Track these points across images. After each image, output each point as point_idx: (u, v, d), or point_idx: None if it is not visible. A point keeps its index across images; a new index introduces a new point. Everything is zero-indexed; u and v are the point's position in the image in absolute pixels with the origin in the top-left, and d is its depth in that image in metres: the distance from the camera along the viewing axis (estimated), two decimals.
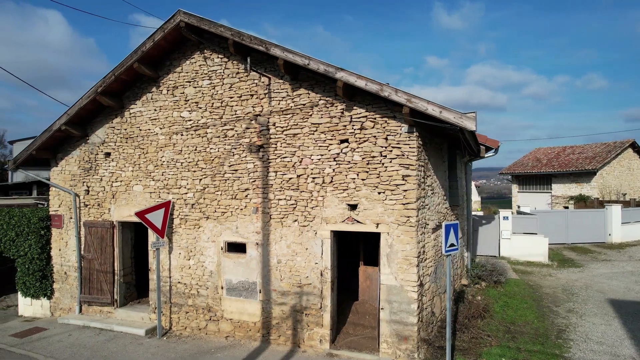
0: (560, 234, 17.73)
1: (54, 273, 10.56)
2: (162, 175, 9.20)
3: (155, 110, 9.31)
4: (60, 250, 10.48)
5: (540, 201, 29.65)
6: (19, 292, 10.93)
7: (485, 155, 11.00)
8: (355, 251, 10.00)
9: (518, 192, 32.08)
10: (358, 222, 7.29)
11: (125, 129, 9.65)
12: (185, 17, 8.15)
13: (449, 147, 9.40)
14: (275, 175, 8.01)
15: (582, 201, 25.12)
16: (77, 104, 9.35)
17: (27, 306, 11.04)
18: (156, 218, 8.69)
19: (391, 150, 7.06)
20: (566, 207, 26.70)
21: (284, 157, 7.94)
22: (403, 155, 6.95)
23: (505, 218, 14.85)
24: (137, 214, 8.44)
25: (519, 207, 20.40)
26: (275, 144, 8.02)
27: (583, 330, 8.21)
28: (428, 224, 7.58)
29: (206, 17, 8.04)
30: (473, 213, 20.38)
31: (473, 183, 28.63)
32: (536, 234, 14.85)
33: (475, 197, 27.56)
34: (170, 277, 9.12)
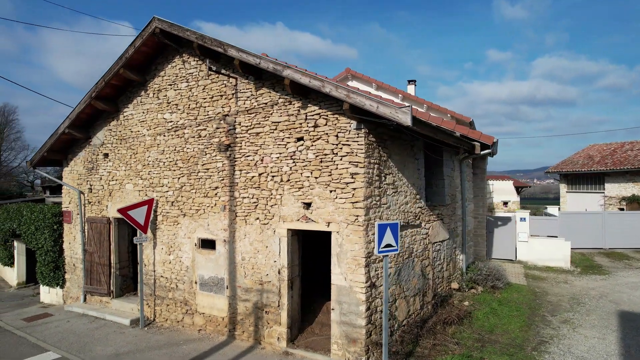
0: (595, 238, 16.16)
1: (66, 264, 11.52)
2: (149, 174, 9.71)
3: (143, 112, 9.84)
4: (69, 243, 11.42)
5: (591, 202, 27.17)
6: (39, 281, 12.07)
7: (481, 153, 10.36)
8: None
9: (567, 192, 29.61)
10: (312, 220, 7.22)
11: (120, 131, 10.29)
12: (159, 23, 8.54)
13: (428, 145, 8.98)
14: (240, 174, 8.15)
15: (635, 202, 22.69)
16: (77, 109, 10.13)
17: (46, 294, 12.15)
18: (139, 215, 9.19)
19: (341, 148, 6.91)
20: (621, 209, 24.31)
21: (247, 156, 8.06)
22: (352, 152, 6.78)
23: (523, 219, 13.81)
24: (120, 210, 8.98)
25: (546, 208, 18.88)
26: (241, 143, 8.16)
27: (568, 343, 7.48)
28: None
29: (176, 23, 8.37)
30: (502, 214, 19.23)
31: (511, 182, 26.97)
32: (556, 236, 13.66)
33: (513, 198, 25.90)
34: (154, 271, 9.61)
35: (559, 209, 15.98)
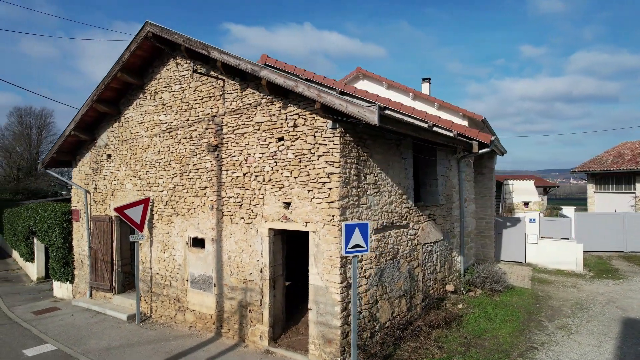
0: (616, 241, 15.35)
1: (75, 261, 12.02)
2: (146, 174, 10.00)
3: (141, 114, 10.14)
4: (78, 241, 11.92)
5: (621, 203, 25.83)
6: (51, 276, 12.65)
7: (479, 152, 10.07)
8: None
9: (595, 192, 28.27)
10: (291, 220, 7.23)
11: (122, 133, 10.65)
12: (151, 27, 8.78)
13: (419, 145, 8.80)
14: (227, 174, 8.27)
15: None
16: (80, 111, 10.56)
17: (58, 288, 12.73)
18: (135, 213, 9.47)
19: (318, 148, 6.89)
20: None
21: (233, 156, 8.17)
22: (328, 152, 6.75)
23: (532, 220, 13.29)
24: (116, 209, 9.30)
25: (561, 209, 18.02)
26: (227, 144, 8.28)
27: (558, 350, 7.16)
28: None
29: (166, 27, 8.58)
30: (521, 215, 18.57)
31: (532, 181, 26.05)
32: (568, 239, 13.05)
33: (534, 198, 24.94)
34: (151, 269, 9.88)
35: (575, 209, 15.27)
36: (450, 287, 9.78)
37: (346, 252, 5.75)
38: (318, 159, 6.89)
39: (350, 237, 5.75)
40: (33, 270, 15.57)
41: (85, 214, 11.52)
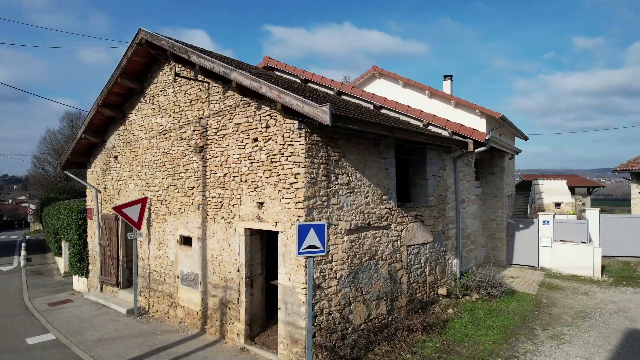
0: None
1: (89, 256, 12.76)
2: (145, 174, 10.43)
3: (142, 117, 10.59)
4: (91, 237, 12.63)
5: None
6: (69, 270, 13.49)
7: (476, 150, 9.68)
8: None
9: (639, 192, 26.25)
10: (263, 220, 7.30)
11: (126, 135, 11.18)
12: (144, 34, 9.16)
13: (406, 145, 8.60)
14: (210, 174, 8.47)
15: None
16: (89, 116, 11.19)
17: (76, 282, 13.55)
18: (133, 212, 9.91)
19: (287, 148, 6.91)
20: None
21: (215, 157, 8.36)
22: (295, 152, 6.76)
23: (546, 222, 12.54)
24: (115, 208, 9.77)
25: (583, 210, 16.79)
26: (211, 145, 8.48)
27: None
28: (338, 225, 7.16)
29: (155, 33, 8.92)
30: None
31: (564, 181, 24.58)
32: (585, 242, 12.19)
33: (566, 199, 23.44)
34: (149, 265, 10.30)
35: (600, 211, 14.21)
36: (442, 291, 9.46)
37: (299, 253, 5.74)
38: (287, 159, 6.92)
39: (304, 237, 5.72)
40: (61, 264, 16.65)
41: (96, 212, 12.19)
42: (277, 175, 7.07)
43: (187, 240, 9.18)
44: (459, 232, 10.12)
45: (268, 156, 7.23)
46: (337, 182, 7.17)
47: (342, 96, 11.62)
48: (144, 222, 10.17)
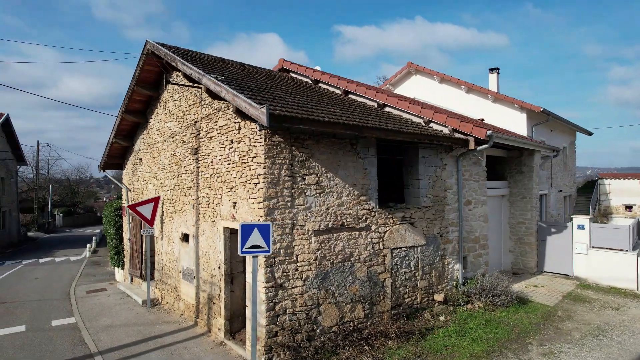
0: None
1: (124, 250, 13.99)
2: (160, 175, 11.22)
3: (158, 122, 11.40)
4: (125, 233, 13.84)
5: None
6: (110, 262, 14.90)
7: (478, 148, 9.02)
8: None
9: None
10: (236, 219, 7.52)
11: (148, 139, 12.10)
12: (150, 45, 9.87)
13: (388, 145, 8.29)
14: (201, 175, 8.90)
15: None
16: (116, 122, 12.29)
17: (117, 273, 14.93)
18: (146, 210, 10.71)
19: (252, 149, 7.06)
20: None
21: (205, 159, 8.76)
22: (258, 154, 6.88)
23: (581, 227, 11.19)
24: (129, 206, 10.64)
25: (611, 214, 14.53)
26: (202, 147, 8.91)
27: None
28: (304, 226, 7.13)
29: (157, 43, 9.56)
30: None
31: (636, 180, 21.74)
32: (627, 250, 10.65)
33: (620, 200, 20.60)
34: (162, 260, 11.06)
35: None
36: (439, 297, 8.94)
37: (242, 252, 5.84)
38: (252, 160, 7.06)
39: (247, 237, 5.82)
40: None
41: (127, 210, 13.33)
42: (246, 176, 7.24)
43: (186, 237, 9.71)
44: (461, 236, 9.47)
45: (240, 157, 7.44)
46: (303, 183, 7.15)
47: (349, 95, 11.46)
48: (158, 219, 10.95)
